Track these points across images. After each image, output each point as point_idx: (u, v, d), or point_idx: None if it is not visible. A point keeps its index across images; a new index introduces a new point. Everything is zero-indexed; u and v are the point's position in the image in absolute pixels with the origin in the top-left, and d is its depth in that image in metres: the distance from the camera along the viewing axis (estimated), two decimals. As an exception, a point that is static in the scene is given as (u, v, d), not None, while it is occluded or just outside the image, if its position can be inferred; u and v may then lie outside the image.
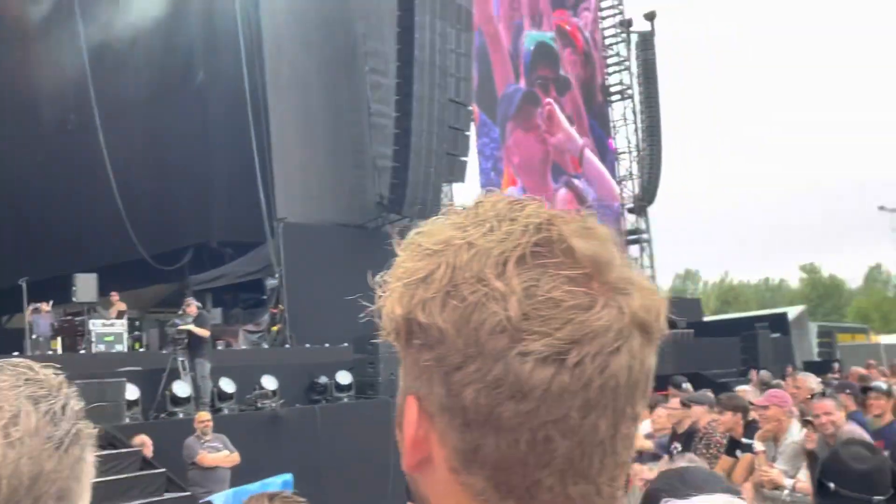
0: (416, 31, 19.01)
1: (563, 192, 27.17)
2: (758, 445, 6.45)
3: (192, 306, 13.57)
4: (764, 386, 9.54)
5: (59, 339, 15.62)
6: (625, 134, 32.62)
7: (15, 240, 23.90)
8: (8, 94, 24.73)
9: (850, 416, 7.48)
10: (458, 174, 21.65)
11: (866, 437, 6.01)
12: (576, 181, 28.09)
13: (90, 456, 0.98)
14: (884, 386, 7.51)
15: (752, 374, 16.81)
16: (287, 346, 16.91)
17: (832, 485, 2.63)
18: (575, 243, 0.70)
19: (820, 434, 5.88)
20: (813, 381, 8.56)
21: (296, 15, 20.00)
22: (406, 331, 0.72)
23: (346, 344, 15.66)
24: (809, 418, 6.00)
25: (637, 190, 32.29)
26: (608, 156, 31.18)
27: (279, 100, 19.15)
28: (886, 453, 4.99)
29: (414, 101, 19.03)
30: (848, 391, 8.37)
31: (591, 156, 29.58)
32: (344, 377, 14.73)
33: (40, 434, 0.92)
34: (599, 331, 0.68)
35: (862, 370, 14.04)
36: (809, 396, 6.53)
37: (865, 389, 7.66)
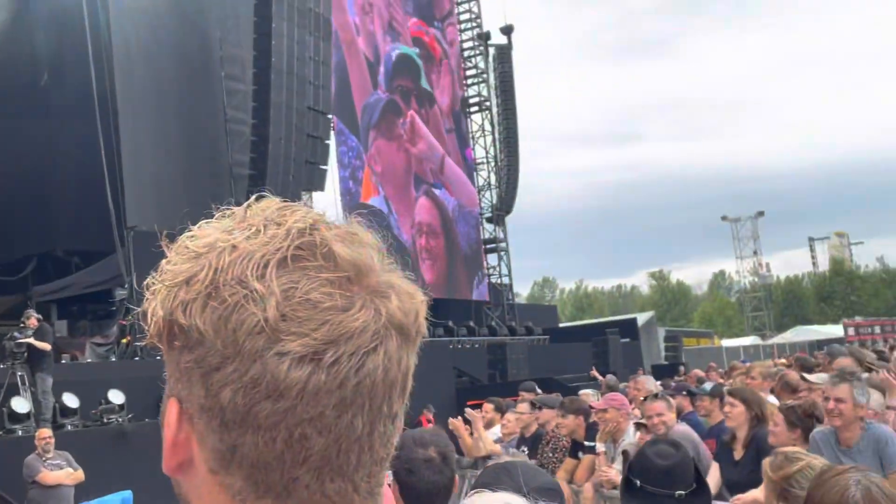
0: (273, 37, 18.82)
1: (423, 200, 27.41)
2: (598, 447, 6.74)
3: (33, 318, 12.94)
4: (609, 390, 9.93)
5: None
6: (483, 144, 33.27)
7: None
8: None
9: (685, 417, 7.93)
10: (317, 183, 21.55)
11: (694, 436, 6.39)
12: (436, 190, 28.38)
13: None
14: (707, 388, 7.98)
15: (603, 379, 17.41)
16: (136, 358, 16.35)
17: (638, 481, 2.81)
18: (336, 248, 0.72)
19: (653, 434, 6.20)
20: (651, 384, 8.99)
21: (148, 16, 19.41)
22: (168, 333, 0.73)
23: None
24: (643, 420, 6.32)
25: (495, 200, 32.97)
26: (467, 166, 31.68)
27: (130, 103, 18.49)
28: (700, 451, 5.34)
29: (271, 109, 18.84)
30: (684, 393, 8.87)
31: (451, 164, 29.97)
32: (197, 389, 14.35)
33: None
34: (356, 331, 0.70)
35: (700, 372, 14.82)
36: (643, 399, 6.88)
37: (691, 393, 8.13)
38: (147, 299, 0.75)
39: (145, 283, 0.76)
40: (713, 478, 5.87)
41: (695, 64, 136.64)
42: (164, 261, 0.76)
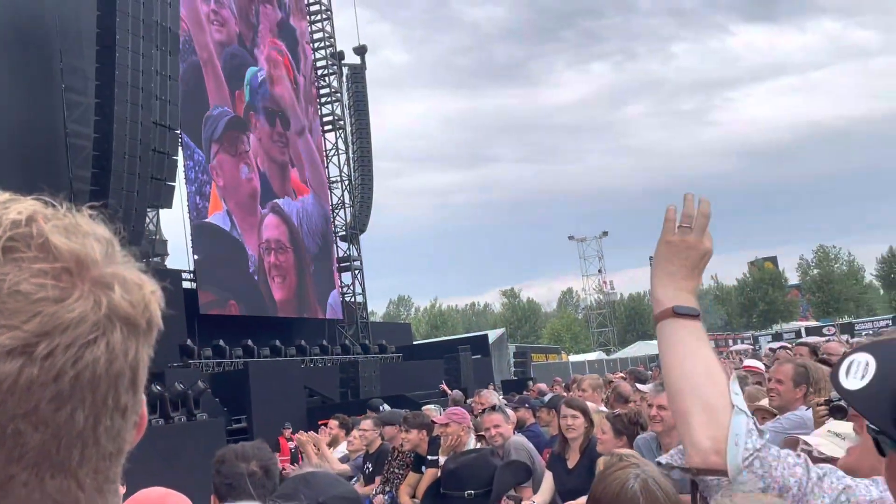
0: (117, 49, 18.24)
1: (270, 217, 27.05)
2: (441, 460, 6.92)
3: None
4: (454, 404, 10.18)
5: None
6: (337, 163, 33.26)
7: None
8: None
9: (528, 429, 8.25)
10: (164, 200, 20.94)
11: (529, 446, 6.67)
12: (280, 202, 27.96)
13: None
14: (545, 400, 8.34)
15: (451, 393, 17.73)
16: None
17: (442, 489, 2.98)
18: (54, 239, 0.70)
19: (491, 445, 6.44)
20: (494, 397, 9.30)
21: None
22: None
23: None
24: (482, 432, 6.55)
25: (349, 218, 32.99)
26: (321, 184, 31.55)
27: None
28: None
29: (115, 123, 18.22)
30: (527, 405, 9.22)
31: (300, 181, 29.77)
32: None
33: None
34: (72, 323, 0.68)
35: (544, 387, 15.36)
36: (481, 411, 7.12)
37: (533, 405, 8.48)
38: None
39: None
40: (546, 485, 6.16)
41: (545, 88, 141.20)
42: None
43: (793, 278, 74.22)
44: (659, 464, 1.72)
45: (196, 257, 23.38)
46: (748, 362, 9.43)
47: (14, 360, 0.66)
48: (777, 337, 45.18)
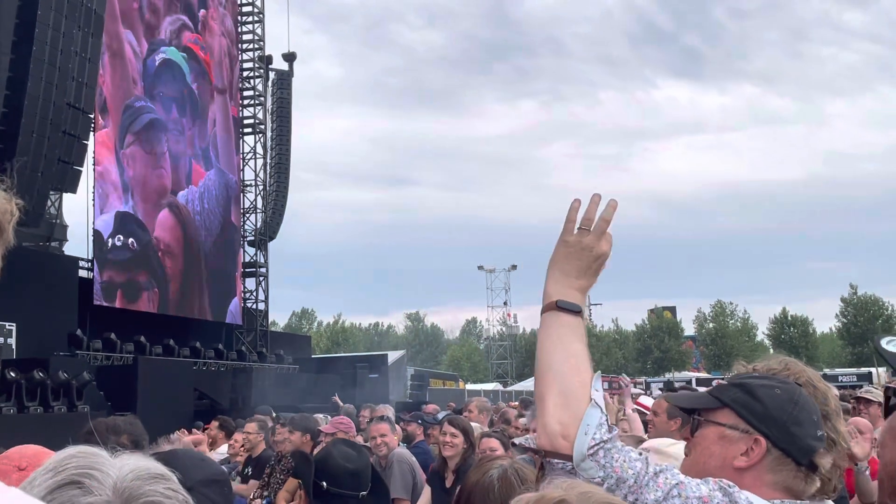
0: (37, 26, 17.76)
1: (165, 213, 26.27)
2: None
3: None
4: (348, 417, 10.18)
5: None
6: (253, 167, 32.90)
7: None
8: None
9: (416, 445, 8.31)
10: (69, 184, 20.36)
11: (412, 459, 6.72)
12: (181, 198, 27.22)
13: None
14: (439, 418, 8.44)
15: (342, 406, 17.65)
16: None
17: (325, 483, 3.01)
18: None
19: (375, 454, 6.47)
20: (389, 411, 9.38)
21: None
22: None
23: None
24: (367, 443, 6.58)
25: (259, 224, 32.61)
26: (231, 186, 31.03)
27: None
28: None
29: (26, 99, 17.69)
30: (419, 422, 9.29)
31: (209, 182, 29.20)
32: None
33: None
34: None
35: (437, 407, 15.48)
36: (368, 421, 7.15)
37: (426, 422, 8.55)
38: None
39: None
40: (423, 500, 6.20)
41: (472, 119, 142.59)
42: None
43: (689, 329, 76.38)
44: (514, 444, 1.83)
45: (116, 242, 22.81)
46: (641, 399, 9.74)
47: None
48: (668, 385, 46.41)
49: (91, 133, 21.39)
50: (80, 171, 20.48)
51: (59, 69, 18.38)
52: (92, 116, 20.98)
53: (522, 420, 6.83)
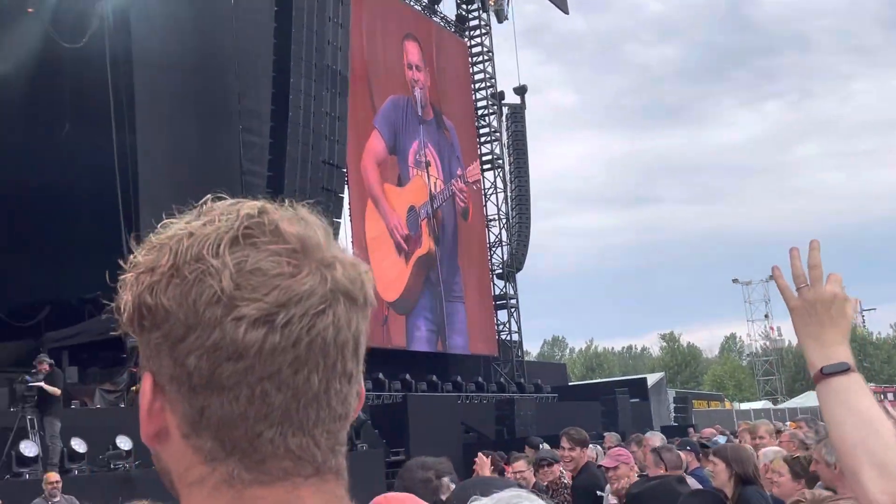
0: (290, 92, 19.23)
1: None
2: (611, 499, 6.75)
3: (45, 363, 13.07)
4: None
5: None
6: (495, 202, 33.57)
7: None
8: None
9: (693, 472, 7.93)
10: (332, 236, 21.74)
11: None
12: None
13: None
14: (721, 442, 8.00)
15: (607, 437, 17.34)
16: (146, 405, 16.38)
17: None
18: (283, 225, 0.80)
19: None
20: (658, 439, 9.02)
21: (170, 69, 19.86)
22: (137, 315, 0.81)
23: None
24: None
25: (506, 256, 33.14)
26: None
27: (148, 155, 18.87)
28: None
29: (287, 161, 19.16)
30: (689, 448, 8.87)
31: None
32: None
33: None
34: (304, 294, 0.78)
35: (713, 431, 14.77)
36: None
37: (703, 446, 8.14)
38: (119, 293, 0.83)
39: (119, 279, 0.84)
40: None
41: (710, 129, 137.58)
42: (132, 256, 0.84)
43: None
44: None
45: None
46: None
47: (259, 328, 0.76)
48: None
49: (345, 186, 22.77)
50: (340, 223, 21.82)
51: (312, 130, 19.76)
52: (344, 171, 22.35)
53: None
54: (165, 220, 0.85)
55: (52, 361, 13.71)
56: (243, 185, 20.68)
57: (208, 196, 0.87)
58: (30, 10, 20.43)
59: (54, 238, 20.34)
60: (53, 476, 10.61)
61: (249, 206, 0.82)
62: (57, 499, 10.29)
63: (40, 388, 12.60)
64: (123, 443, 13.38)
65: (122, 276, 0.84)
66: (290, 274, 0.78)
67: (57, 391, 12.80)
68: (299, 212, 0.84)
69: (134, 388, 17.29)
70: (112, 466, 13.11)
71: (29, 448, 12.29)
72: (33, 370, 13.07)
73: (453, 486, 2.62)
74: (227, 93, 21.11)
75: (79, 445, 13.06)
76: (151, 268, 0.81)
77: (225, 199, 0.86)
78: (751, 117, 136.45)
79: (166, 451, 0.82)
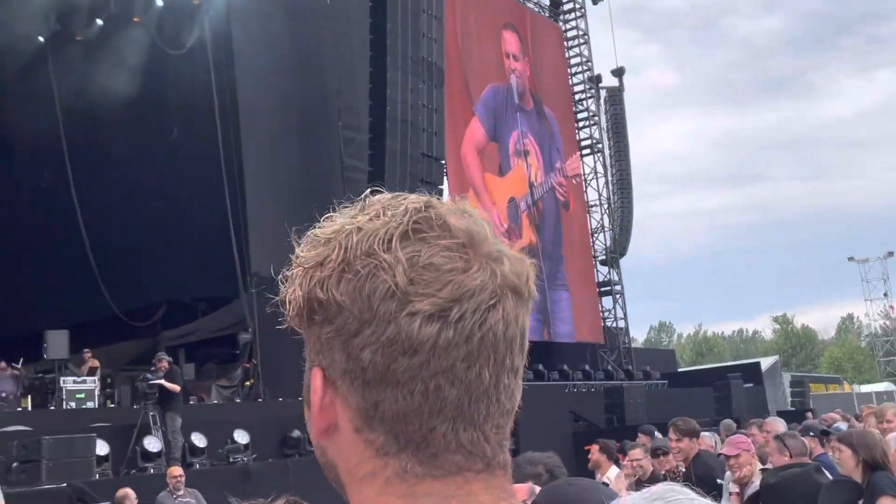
0: (388, 87, 19.36)
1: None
2: (733, 486, 6.53)
3: (164, 361, 13.54)
4: (729, 433, 9.61)
5: (28, 396, 15.50)
6: (596, 187, 33.11)
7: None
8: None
9: (818, 458, 7.60)
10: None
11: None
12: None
13: None
14: (843, 427, 7.64)
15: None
16: (260, 400, 16.83)
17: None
18: (451, 220, 0.80)
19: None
20: (780, 424, 8.68)
21: (270, 72, 20.28)
22: (307, 310, 0.81)
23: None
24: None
25: (608, 242, 32.65)
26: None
27: (253, 155, 19.33)
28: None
29: (387, 156, 19.31)
30: (812, 434, 8.51)
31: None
32: (317, 431, 14.65)
33: None
34: (476, 289, 0.78)
35: (835, 416, 14.16)
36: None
37: (825, 432, 7.79)
38: (284, 287, 0.84)
39: (281, 274, 0.85)
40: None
41: (820, 101, 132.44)
42: (296, 251, 0.84)
43: None
44: None
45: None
46: None
47: (433, 323, 0.77)
48: None
49: (444, 178, 22.82)
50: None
51: (410, 123, 19.86)
52: (443, 163, 22.40)
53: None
54: (327, 215, 0.85)
55: (171, 359, 14.19)
56: (344, 180, 20.97)
57: (368, 189, 0.87)
58: (136, 18, 21.20)
59: (167, 239, 21.07)
60: (177, 470, 10.95)
61: (414, 199, 0.83)
62: (181, 492, 10.61)
63: (161, 386, 13.06)
64: (241, 436, 13.76)
65: (288, 271, 0.84)
66: (462, 269, 0.78)
67: (177, 388, 13.25)
68: (462, 206, 0.84)
69: (248, 382, 17.78)
70: (231, 460, 13.48)
71: (152, 444, 12.76)
72: (153, 368, 13.56)
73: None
74: (325, 90, 21.42)
75: (199, 440, 13.49)
76: (320, 262, 0.81)
77: (382, 192, 0.86)
78: (863, 86, 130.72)
79: (334, 446, 0.82)
